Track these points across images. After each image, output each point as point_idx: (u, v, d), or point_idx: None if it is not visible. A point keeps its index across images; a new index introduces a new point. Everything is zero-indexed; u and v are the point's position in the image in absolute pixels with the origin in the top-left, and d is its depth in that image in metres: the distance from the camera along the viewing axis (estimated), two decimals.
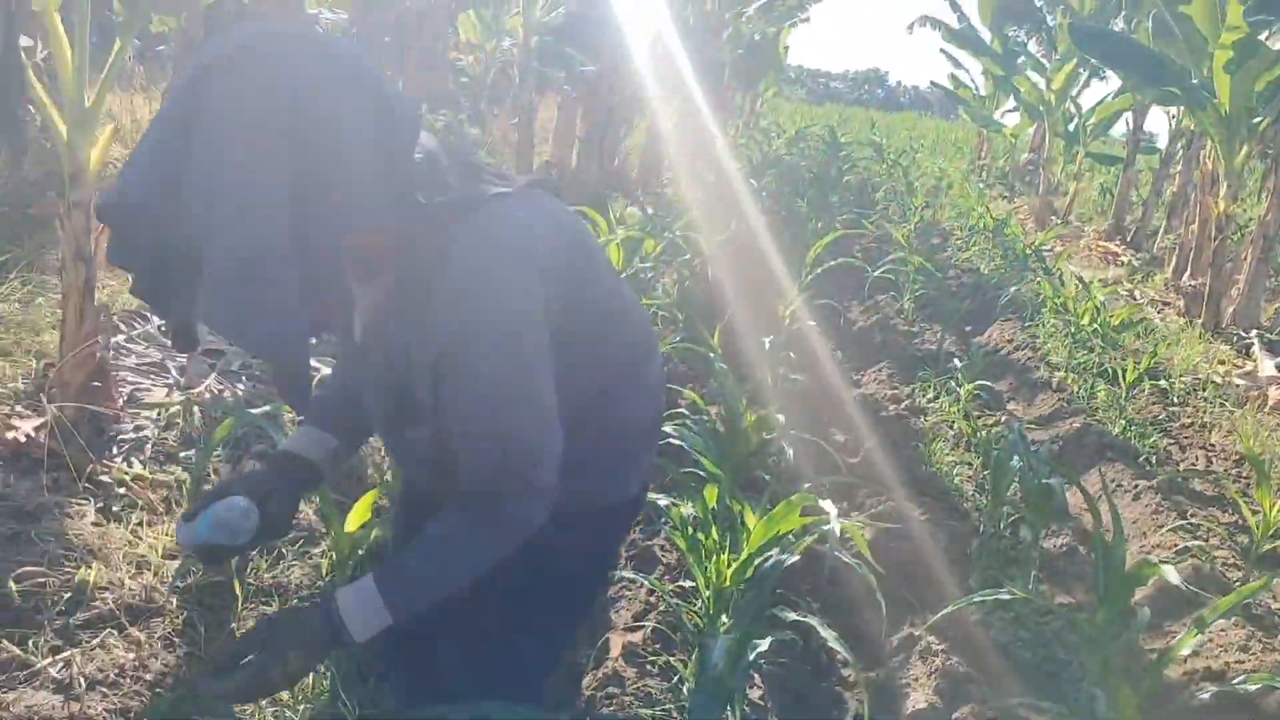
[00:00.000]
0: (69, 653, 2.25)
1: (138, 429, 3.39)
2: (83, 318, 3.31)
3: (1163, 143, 12.32)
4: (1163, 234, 11.20)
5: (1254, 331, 7.03)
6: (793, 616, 2.23)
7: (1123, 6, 11.11)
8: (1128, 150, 12.47)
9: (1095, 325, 6.50)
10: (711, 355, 3.69)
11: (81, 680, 2.17)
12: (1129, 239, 11.76)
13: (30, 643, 2.24)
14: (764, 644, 2.11)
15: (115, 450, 3.25)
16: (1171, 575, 2.26)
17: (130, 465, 3.11)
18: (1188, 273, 8.18)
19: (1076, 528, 4.02)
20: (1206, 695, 2.29)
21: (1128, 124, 12.57)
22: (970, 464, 4.61)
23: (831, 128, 19.21)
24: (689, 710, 1.97)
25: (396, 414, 1.60)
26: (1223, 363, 6.55)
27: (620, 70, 8.83)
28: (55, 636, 2.30)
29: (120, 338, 3.94)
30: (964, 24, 15.89)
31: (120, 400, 3.44)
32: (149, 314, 4.18)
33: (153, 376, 3.79)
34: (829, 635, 2.14)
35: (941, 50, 18.09)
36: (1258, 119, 7.08)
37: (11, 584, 2.37)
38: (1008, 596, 2.36)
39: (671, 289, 5.56)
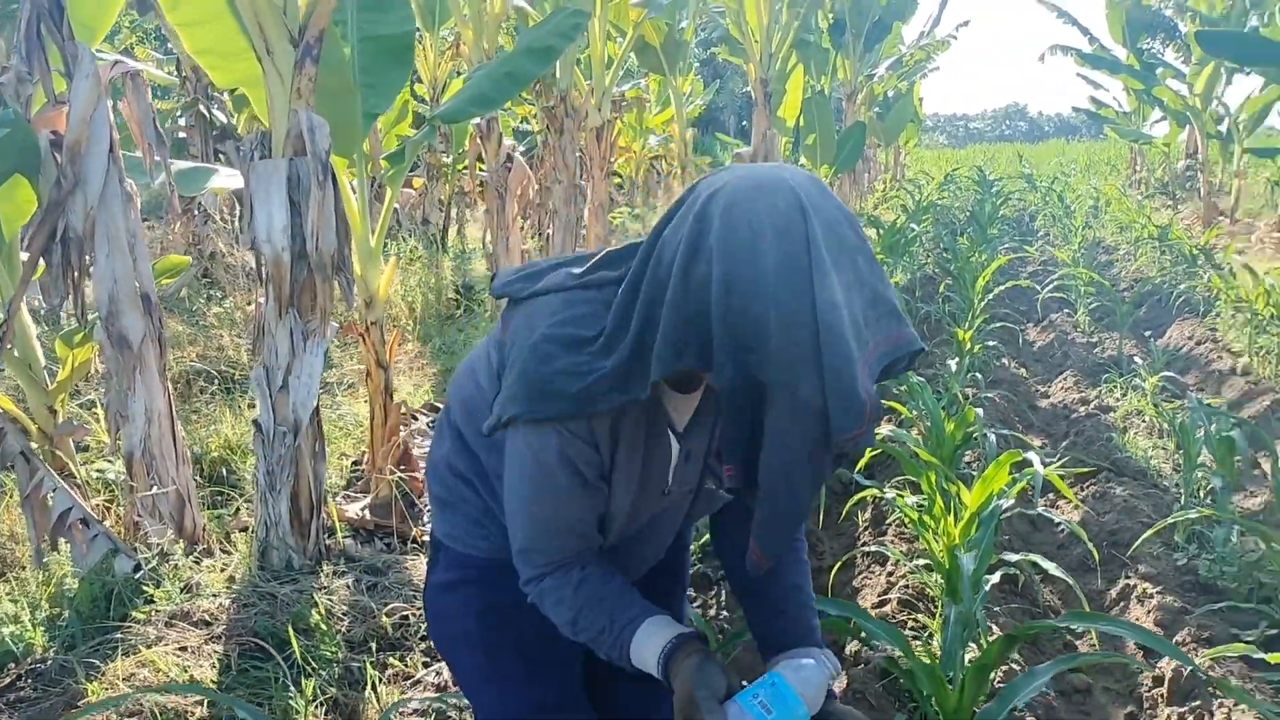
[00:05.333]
0: (438, 664, 2.91)
1: None
2: (386, 415, 4.09)
3: None
4: None
5: None
6: (1015, 557, 2.70)
7: (1249, 4, 11.16)
8: None
9: (1271, 309, 6.63)
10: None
11: (452, 683, 2.81)
12: None
13: (405, 659, 2.91)
14: (995, 577, 2.58)
15: (427, 519, 3.99)
16: None
17: None
18: None
19: (1271, 486, 4.28)
20: None
21: None
22: (1165, 448, 4.90)
23: (979, 167, 19.42)
24: (945, 634, 2.45)
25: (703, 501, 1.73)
26: None
27: (770, 145, 9.50)
28: (423, 655, 2.97)
29: (418, 424, 4.74)
30: (1095, 45, 15.97)
31: (423, 480, 4.19)
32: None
33: None
34: (1050, 566, 2.60)
35: (1079, 74, 18.16)
36: None
37: (384, 618, 3.06)
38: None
39: None
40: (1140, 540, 3.30)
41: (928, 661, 2.18)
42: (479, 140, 5.75)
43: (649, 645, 1.50)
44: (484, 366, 1.63)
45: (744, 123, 28.72)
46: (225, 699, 1.76)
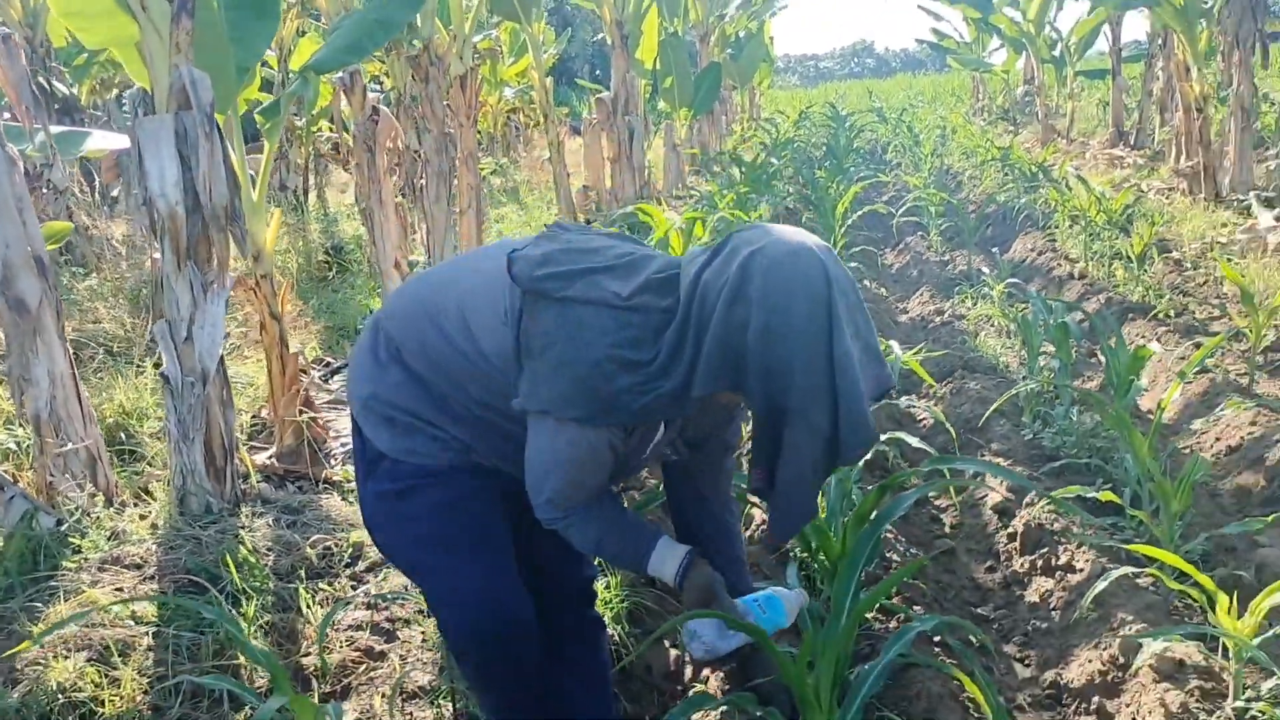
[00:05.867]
0: (365, 586, 3.08)
1: (343, 445, 4.26)
2: (284, 365, 4.19)
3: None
4: (1159, 129, 11.82)
5: (1250, 193, 7.68)
6: (884, 436, 3.03)
7: None
8: (1112, 61, 13.09)
9: (1101, 214, 7.20)
10: None
11: (380, 600, 2.99)
12: (1132, 142, 12.41)
13: (334, 584, 3.08)
14: (869, 453, 2.89)
15: (332, 461, 4.13)
16: (1155, 347, 3.03)
17: (347, 468, 3.96)
18: (1183, 157, 8.84)
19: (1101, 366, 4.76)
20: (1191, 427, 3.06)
21: (1107, 37, 13.20)
22: (1012, 347, 5.35)
23: (832, 104, 19.99)
24: (827, 498, 2.75)
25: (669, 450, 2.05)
26: (1225, 225, 7.22)
27: (630, 89, 9.68)
28: (350, 580, 3.14)
29: (311, 378, 4.84)
30: None
31: (324, 424, 4.31)
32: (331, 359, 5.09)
33: (339, 407, 4.68)
34: (914, 440, 2.93)
35: (920, 7, 18.84)
36: (1208, 3, 7.78)
37: (309, 549, 3.21)
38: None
39: None
40: (990, 410, 3.69)
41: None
42: (343, 93, 5.77)
43: (669, 558, 1.97)
44: (454, 321, 1.88)
45: (597, 71, 28.76)
46: (192, 604, 1.92)
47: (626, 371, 1.72)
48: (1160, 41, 11.30)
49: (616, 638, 2.67)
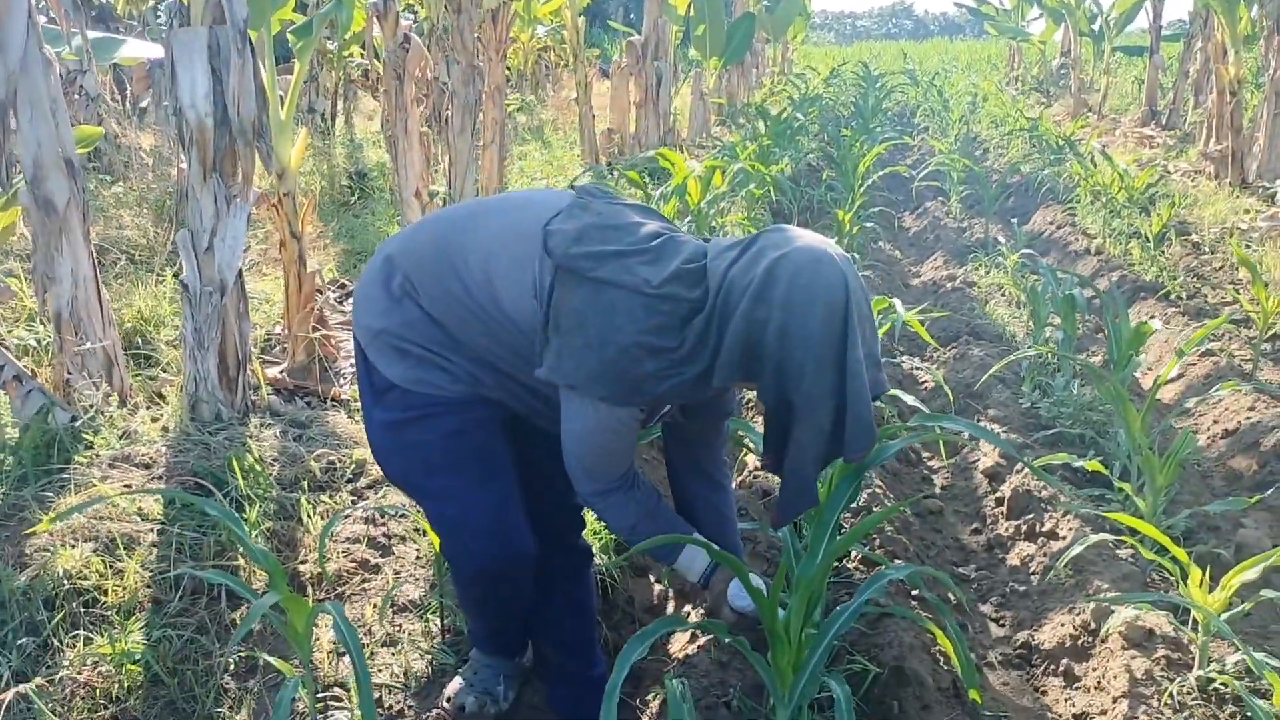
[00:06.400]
0: (367, 500, 3.18)
1: (353, 365, 4.33)
2: (301, 283, 4.25)
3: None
4: (1191, 110, 11.70)
5: (1277, 181, 7.64)
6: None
7: None
8: (1151, 38, 12.91)
9: (1124, 191, 7.17)
10: None
11: (379, 515, 3.08)
12: (1164, 122, 12.29)
13: (334, 498, 3.17)
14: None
15: (341, 380, 4.20)
16: (1157, 324, 3.06)
17: (355, 388, 4.04)
18: (1213, 140, 8.78)
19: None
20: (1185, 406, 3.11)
21: (1148, 13, 13.02)
22: (1020, 317, 5.38)
23: (864, 63, 19.78)
24: None
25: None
26: (1247, 212, 7.18)
27: (661, 34, 9.63)
28: (350, 494, 3.24)
29: (326, 298, 4.91)
30: None
31: (336, 345, 4.39)
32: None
33: (351, 329, 4.74)
34: (909, 398, 2.98)
35: None
36: None
37: (313, 463, 3.30)
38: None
39: (742, 205, 6.44)
40: (987, 375, 3.74)
41: None
42: (376, 19, 5.78)
43: (698, 557, 2.14)
44: (477, 277, 1.95)
45: (631, 15, 28.43)
46: (198, 500, 1.99)
47: (653, 357, 1.81)
48: (1201, 22, 11.16)
49: (602, 568, 2.75)
